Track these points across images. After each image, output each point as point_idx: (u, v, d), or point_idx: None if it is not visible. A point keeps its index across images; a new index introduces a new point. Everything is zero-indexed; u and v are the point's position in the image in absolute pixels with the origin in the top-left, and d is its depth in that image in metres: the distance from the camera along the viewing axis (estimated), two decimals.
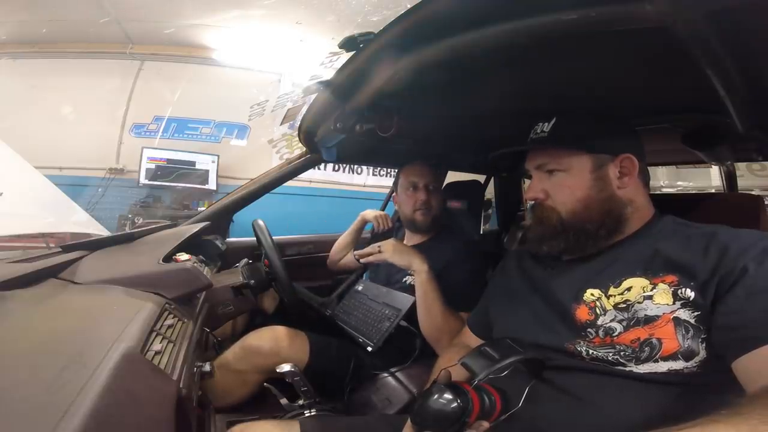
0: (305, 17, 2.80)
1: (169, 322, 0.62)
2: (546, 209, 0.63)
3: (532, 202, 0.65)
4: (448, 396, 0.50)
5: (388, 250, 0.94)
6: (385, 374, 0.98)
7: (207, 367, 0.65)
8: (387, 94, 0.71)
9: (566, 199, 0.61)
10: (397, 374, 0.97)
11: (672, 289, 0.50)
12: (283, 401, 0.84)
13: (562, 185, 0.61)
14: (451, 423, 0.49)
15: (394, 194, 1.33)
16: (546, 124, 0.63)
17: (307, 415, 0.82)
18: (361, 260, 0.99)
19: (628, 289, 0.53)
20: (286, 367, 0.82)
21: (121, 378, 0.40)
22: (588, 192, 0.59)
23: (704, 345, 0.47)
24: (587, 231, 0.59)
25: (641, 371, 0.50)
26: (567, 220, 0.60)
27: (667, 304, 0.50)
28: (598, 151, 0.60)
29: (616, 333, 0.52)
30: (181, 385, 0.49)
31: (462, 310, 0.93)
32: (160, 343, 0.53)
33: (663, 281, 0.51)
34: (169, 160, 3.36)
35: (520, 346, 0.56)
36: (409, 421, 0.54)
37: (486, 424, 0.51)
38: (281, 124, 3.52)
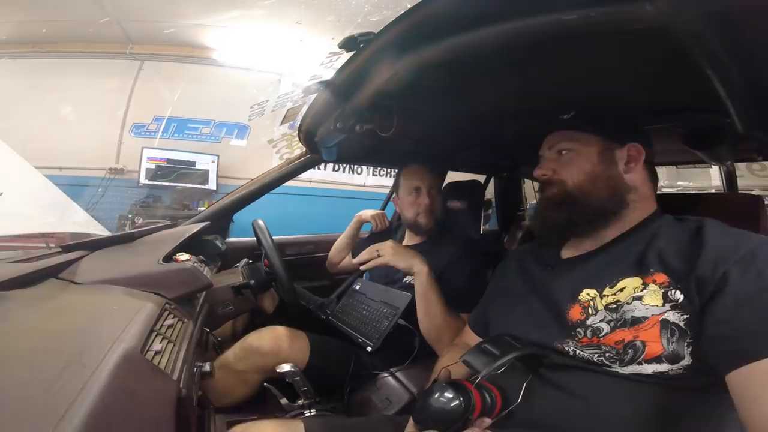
0: (305, 17, 2.80)
1: (169, 322, 0.62)
2: (553, 183, 0.66)
3: (540, 182, 0.69)
4: (449, 394, 0.50)
5: (387, 253, 0.93)
6: (385, 374, 0.98)
7: (207, 367, 0.65)
8: (387, 94, 0.71)
9: (575, 172, 0.64)
10: (397, 374, 0.97)
11: (662, 291, 0.50)
12: (283, 401, 0.84)
13: (570, 161, 0.65)
14: (454, 421, 0.49)
15: (394, 195, 1.32)
16: (566, 115, 0.68)
17: (307, 415, 0.82)
18: (362, 267, 0.97)
19: (622, 289, 0.54)
20: (286, 367, 0.82)
21: (121, 378, 0.40)
22: (594, 168, 0.63)
23: (690, 350, 0.47)
24: (592, 204, 0.62)
25: (626, 372, 0.50)
26: (572, 191, 0.63)
27: (657, 306, 0.50)
28: (608, 136, 0.64)
29: (602, 333, 0.52)
30: (181, 385, 0.49)
31: (462, 310, 0.93)
32: (160, 343, 0.53)
33: (654, 281, 0.51)
34: (169, 160, 3.36)
35: (518, 343, 0.56)
36: (411, 420, 0.54)
37: (488, 421, 0.51)
38: (281, 124, 3.53)
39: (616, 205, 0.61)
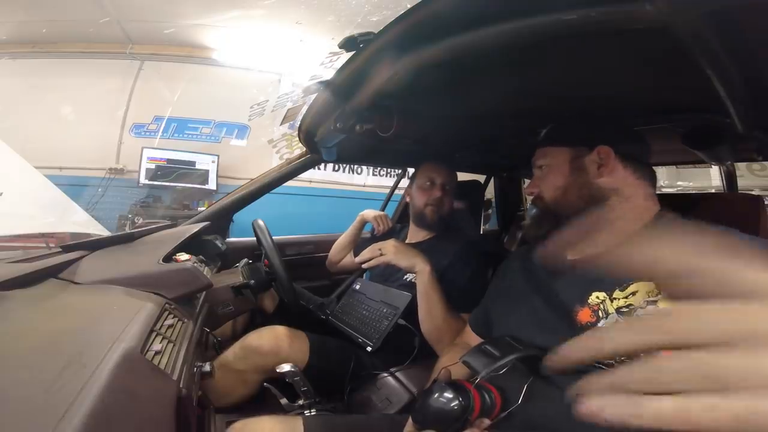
0: (305, 17, 2.80)
1: (169, 322, 0.62)
2: (536, 198, 0.71)
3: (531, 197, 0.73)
4: (448, 395, 0.50)
5: (389, 252, 0.93)
6: (385, 374, 0.98)
7: (207, 367, 0.65)
8: (387, 94, 0.71)
9: (549, 186, 0.68)
10: (397, 374, 0.97)
11: None
12: (283, 401, 0.85)
13: (546, 176, 0.69)
14: (453, 421, 0.49)
15: (408, 189, 1.33)
16: (543, 130, 0.74)
17: (307, 414, 0.82)
18: (364, 265, 0.96)
19: (634, 293, 0.53)
20: (286, 367, 0.82)
21: (121, 378, 0.39)
22: (566, 180, 0.66)
23: None
24: (569, 215, 0.65)
25: None
26: (549, 204, 0.68)
27: None
28: (577, 144, 0.66)
29: None
30: (181, 385, 0.49)
31: (463, 311, 0.92)
32: (160, 343, 0.53)
33: None
34: (169, 160, 3.36)
35: (519, 344, 0.56)
36: (410, 419, 0.54)
37: (487, 422, 0.51)
38: (281, 124, 3.53)
39: (593, 208, 0.62)
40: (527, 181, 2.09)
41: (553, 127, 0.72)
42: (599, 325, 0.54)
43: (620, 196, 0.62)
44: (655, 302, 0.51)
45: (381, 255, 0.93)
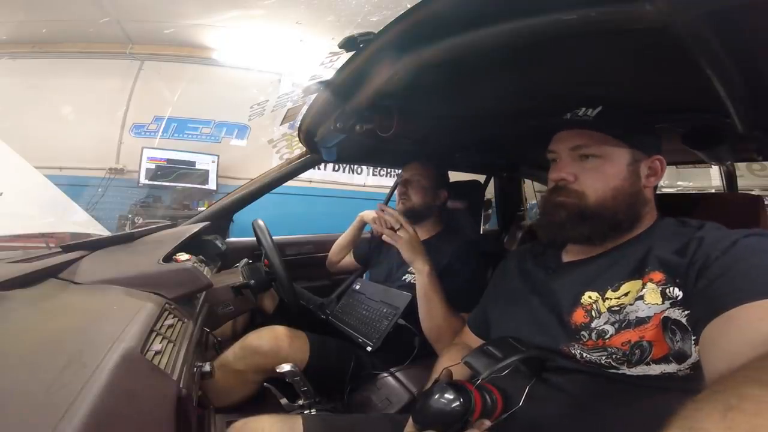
0: (305, 17, 2.80)
1: (169, 322, 0.62)
2: (572, 192, 0.60)
3: (554, 184, 0.63)
4: (449, 395, 0.50)
5: (403, 237, 0.92)
6: (385, 374, 0.98)
7: (207, 367, 0.65)
8: (387, 94, 0.71)
9: (599, 186, 0.59)
10: (397, 374, 0.97)
11: (660, 288, 0.50)
12: (283, 401, 0.85)
13: (597, 171, 0.59)
14: (453, 422, 0.49)
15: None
16: (590, 109, 0.60)
17: (307, 414, 0.82)
18: (384, 237, 0.95)
19: (626, 293, 0.53)
20: (286, 367, 0.82)
21: (121, 378, 0.40)
22: (621, 183, 0.59)
23: (697, 347, 0.46)
24: (610, 220, 0.59)
25: (634, 374, 0.50)
26: (593, 205, 0.59)
27: (657, 304, 0.50)
28: (637, 146, 0.60)
29: (607, 336, 0.52)
30: (181, 385, 0.49)
31: (463, 310, 0.92)
32: (160, 343, 0.53)
33: (651, 279, 0.51)
34: (169, 160, 3.36)
35: (522, 345, 0.56)
36: (410, 419, 0.54)
37: (488, 423, 0.51)
38: (281, 124, 3.52)
39: (633, 218, 0.60)
40: (527, 181, 2.09)
41: (611, 113, 0.59)
42: (592, 325, 0.54)
43: (648, 207, 0.61)
44: (642, 297, 0.51)
45: (398, 234, 0.93)
